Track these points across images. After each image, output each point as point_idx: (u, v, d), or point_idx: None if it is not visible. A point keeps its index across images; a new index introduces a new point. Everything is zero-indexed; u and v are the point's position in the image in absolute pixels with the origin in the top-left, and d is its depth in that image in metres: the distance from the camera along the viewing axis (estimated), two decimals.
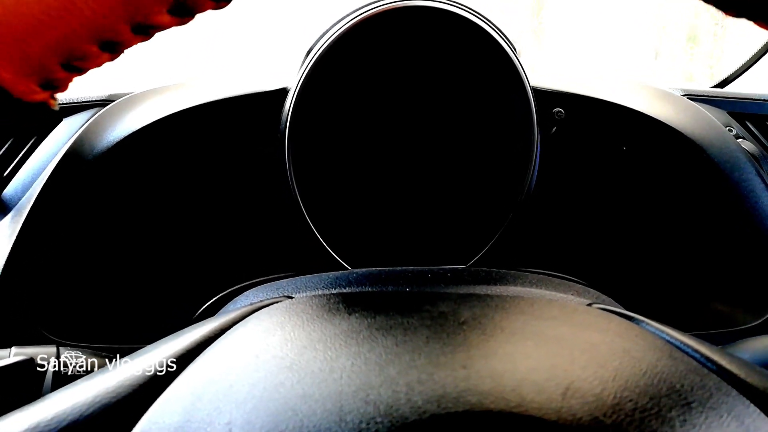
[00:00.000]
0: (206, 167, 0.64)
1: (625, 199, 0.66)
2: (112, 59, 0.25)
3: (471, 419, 0.21)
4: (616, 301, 0.44)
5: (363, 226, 0.60)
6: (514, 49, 0.56)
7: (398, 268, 0.44)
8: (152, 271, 0.63)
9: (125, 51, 0.25)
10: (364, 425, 0.21)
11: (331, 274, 0.43)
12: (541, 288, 0.40)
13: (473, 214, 0.60)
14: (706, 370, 0.27)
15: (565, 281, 0.44)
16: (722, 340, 0.47)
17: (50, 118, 0.27)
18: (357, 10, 0.56)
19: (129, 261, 0.62)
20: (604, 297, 0.43)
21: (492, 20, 0.57)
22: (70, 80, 0.25)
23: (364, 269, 0.44)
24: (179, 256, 0.65)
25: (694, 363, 0.27)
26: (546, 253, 0.68)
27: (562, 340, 0.27)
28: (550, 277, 0.44)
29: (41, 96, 0.24)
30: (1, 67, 0.22)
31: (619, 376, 0.24)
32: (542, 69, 0.66)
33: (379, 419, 0.21)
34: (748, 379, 0.26)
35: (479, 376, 0.23)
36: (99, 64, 0.25)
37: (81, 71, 0.25)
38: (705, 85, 0.84)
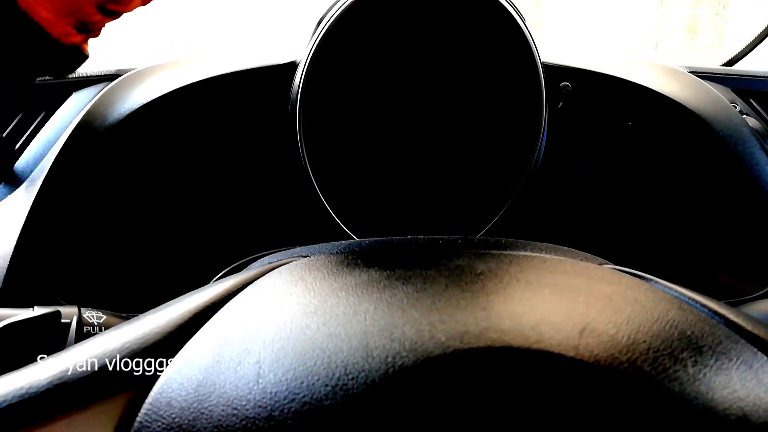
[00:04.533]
0: (216, 140, 0.64)
1: (630, 173, 0.66)
2: (144, 3, 0.26)
3: (492, 354, 0.21)
4: None
5: (372, 199, 0.61)
6: (524, 21, 0.57)
7: (409, 236, 0.44)
8: (163, 243, 0.64)
9: None
10: (390, 359, 0.21)
11: (344, 242, 0.44)
12: (550, 253, 0.41)
13: (481, 187, 0.61)
14: (714, 321, 0.27)
15: (573, 250, 0.45)
16: None
17: (80, 63, 0.28)
18: None
19: (141, 232, 0.63)
20: (612, 264, 0.43)
21: None
22: (104, 24, 0.26)
23: (376, 238, 0.45)
24: (190, 228, 0.65)
25: (704, 315, 0.28)
26: (553, 227, 0.69)
27: (576, 289, 0.28)
28: (557, 246, 0.44)
29: (77, 38, 0.25)
30: (43, 7, 0.23)
31: (633, 321, 0.25)
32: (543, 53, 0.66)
33: (404, 353, 0.21)
34: (755, 331, 0.27)
35: (499, 317, 0.23)
36: (131, 8, 0.26)
37: (115, 15, 0.26)
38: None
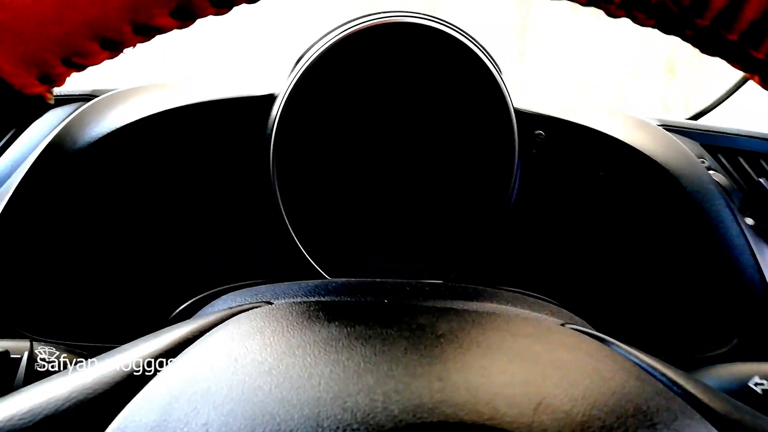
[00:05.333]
0: (189, 169, 0.63)
1: (599, 223, 0.67)
2: (111, 57, 0.25)
3: (445, 430, 0.21)
4: (587, 322, 0.45)
5: (344, 237, 0.61)
6: (498, 69, 0.58)
7: (377, 279, 0.44)
8: (128, 270, 0.63)
9: (125, 50, 0.25)
10: (341, 431, 0.21)
11: (311, 282, 0.43)
12: (516, 306, 0.41)
13: (452, 230, 0.61)
14: (672, 394, 0.27)
15: (540, 301, 0.45)
16: (689, 365, 0.49)
17: (43, 110, 0.27)
18: (348, 22, 0.57)
19: (105, 258, 0.62)
20: (577, 318, 0.44)
21: (477, 39, 0.59)
22: (68, 75, 0.25)
23: (343, 279, 0.44)
24: (156, 256, 0.64)
25: (661, 386, 0.28)
26: (522, 272, 0.69)
27: (535, 357, 0.28)
28: (524, 296, 0.44)
29: (39, 89, 0.25)
30: (3, 59, 0.22)
31: (589, 394, 0.25)
32: (525, 86, 0.67)
33: (356, 426, 0.21)
34: (711, 404, 0.27)
35: (455, 389, 0.23)
36: (98, 62, 0.25)
37: (80, 67, 0.25)
38: (680, 114, 0.87)
